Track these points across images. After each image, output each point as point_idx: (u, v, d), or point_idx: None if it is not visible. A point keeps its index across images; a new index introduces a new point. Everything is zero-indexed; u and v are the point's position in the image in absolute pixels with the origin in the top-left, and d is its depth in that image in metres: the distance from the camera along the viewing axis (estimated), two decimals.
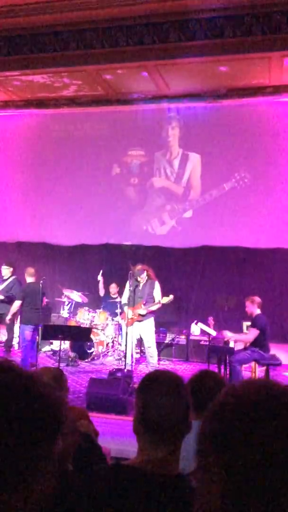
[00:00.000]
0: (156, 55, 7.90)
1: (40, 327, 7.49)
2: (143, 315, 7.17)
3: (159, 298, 7.25)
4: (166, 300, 7.28)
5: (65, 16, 7.41)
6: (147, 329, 7.22)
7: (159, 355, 8.41)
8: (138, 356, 8.18)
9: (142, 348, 8.24)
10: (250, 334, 6.53)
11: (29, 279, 7.83)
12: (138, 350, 8.23)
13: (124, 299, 7.53)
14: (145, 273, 7.28)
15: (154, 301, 7.23)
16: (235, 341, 6.89)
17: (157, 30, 7.32)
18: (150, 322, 7.28)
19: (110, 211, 10.84)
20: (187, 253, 10.30)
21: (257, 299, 6.77)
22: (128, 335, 7.11)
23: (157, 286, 7.35)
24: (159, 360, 8.19)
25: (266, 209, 9.91)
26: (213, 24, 7.12)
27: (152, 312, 7.29)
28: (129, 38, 7.48)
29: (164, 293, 7.58)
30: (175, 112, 10.59)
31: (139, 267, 7.33)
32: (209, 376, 2.36)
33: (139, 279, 7.22)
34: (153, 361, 7.38)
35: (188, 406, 1.42)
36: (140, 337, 7.36)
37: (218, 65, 8.49)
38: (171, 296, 7.34)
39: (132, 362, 7.26)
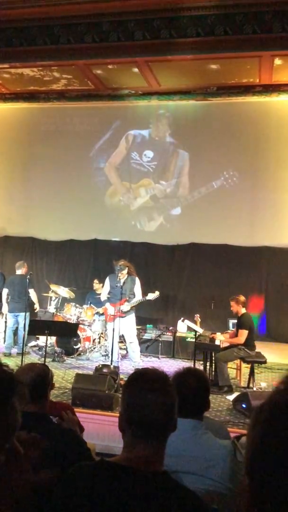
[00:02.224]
0: (147, 52, 7.89)
1: (18, 317, 8.07)
2: (126, 311, 7.18)
3: (140, 293, 7.27)
4: (152, 296, 7.29)
5: (56, 9, 7.36)
6: (129, 325, 7.24)
7: (146, 351, 8.42)
8: (124, 352, 8.18)
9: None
10: (241, 336, 6.54)
11: (17, 271, 8.51)
12: (125, 347, 8.22)
13: (104, 295, 7.53)
14: (126, 270, 7.28)
15: (135, 297, 7.26)
16: (228, 343, 6.88)
17: (148, 27, 7.31)
18: (132, 317, 7.30)
19: (98, 207, 10.81)
20: (175, 250, 10.33)
21: (242, 298, 6.80)
22: (110, 331, 7.11)
23: (138, 282, 7.36)
24: (145, 356, 8.21)
25: (254, 208, 9.96)
26: (205, 22, 7.13)
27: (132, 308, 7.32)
28: (120, 34, 7.45)
29: (151, 290, 7.59)
30: (165, 109, 10.58)
31: (121, 262, 7.33)
32: (192, 374, 2.31)
33: (120, 275, 7.22)
34: (135, 356, 7.40)
35: (174, 404, 1.42)
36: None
37: (209, 63, 8.51)
38: (157, 293, 7.36)
39: (118, 359, 7.26)
